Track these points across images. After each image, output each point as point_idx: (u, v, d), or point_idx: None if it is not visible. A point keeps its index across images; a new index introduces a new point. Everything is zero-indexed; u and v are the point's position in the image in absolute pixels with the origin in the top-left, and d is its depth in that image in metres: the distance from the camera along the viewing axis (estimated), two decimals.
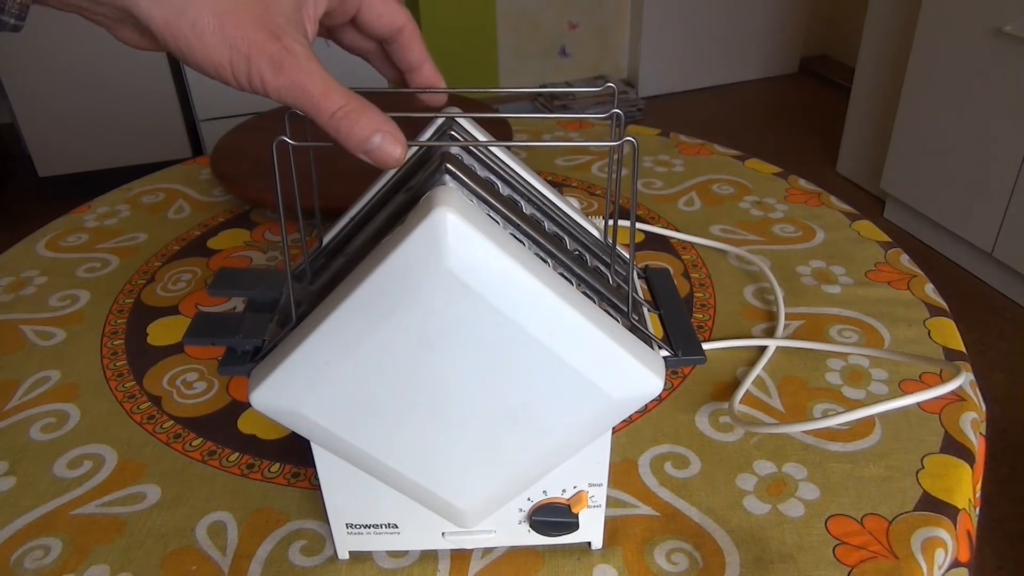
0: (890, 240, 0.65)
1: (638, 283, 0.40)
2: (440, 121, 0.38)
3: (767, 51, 2.73)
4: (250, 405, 0.32)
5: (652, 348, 0.34)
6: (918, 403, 0.46)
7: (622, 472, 0.44)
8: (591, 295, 0.33)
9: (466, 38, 2.42)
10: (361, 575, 0.38)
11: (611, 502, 0.42)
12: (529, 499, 0.37)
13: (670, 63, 2.62)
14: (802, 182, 0.75)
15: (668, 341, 0.35)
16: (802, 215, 0.69)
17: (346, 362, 0.31)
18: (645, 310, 0.37)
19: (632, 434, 0.46)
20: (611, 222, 0.37)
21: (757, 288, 0.59)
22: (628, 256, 0.35)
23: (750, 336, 0.54)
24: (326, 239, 0.39)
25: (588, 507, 0.38)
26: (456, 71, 2.46)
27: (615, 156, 0.33)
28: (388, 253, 0.29)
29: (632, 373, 0.31)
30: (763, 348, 0.52)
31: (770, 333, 0.54)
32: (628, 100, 2.48)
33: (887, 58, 1.86)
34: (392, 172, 0.39)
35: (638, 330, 0.34)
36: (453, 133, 0.38)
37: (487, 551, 0.39)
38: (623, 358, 0.31)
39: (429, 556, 0.39)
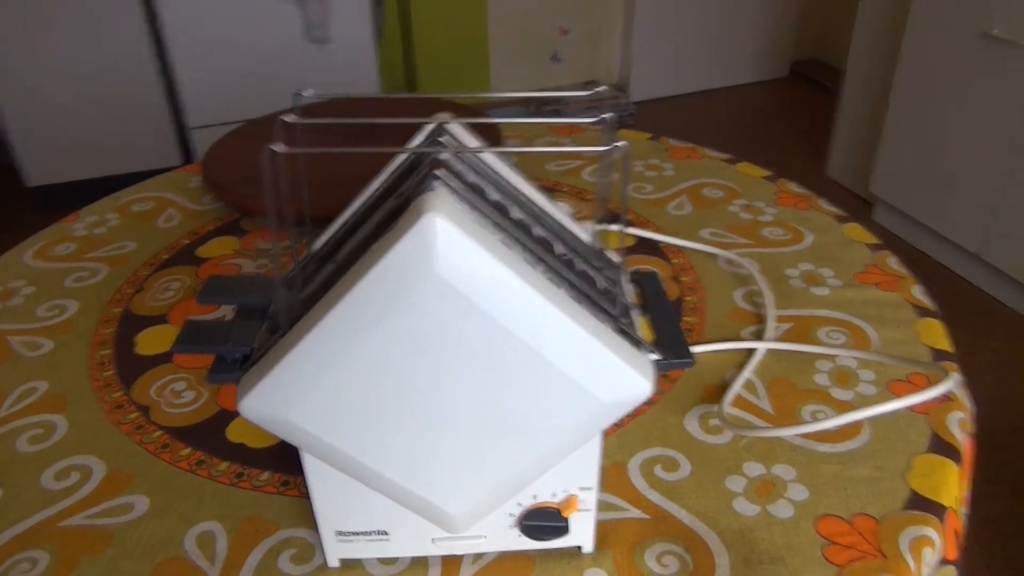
0: (879, 242, 0.66)
1: (627, 287, 0.40)
2: (431, 126, 0.38)
3: (757, 55, 2.74)
4: (239, 414, 0.32)
5: (641, 352, 0.34)
6: (907, 407, 0.46)
7: (612, 475, 0.44)
8: (580, 299, 0.33)
9: (458, 43, 2.43)
10: None
11: (601, 505, 0.42)
12: (519, 504, 0.37)
13: (661, 68, 2.63)
14: (791, 185, 0.75)
15: (657, 344, 0.35)
16: (791, 218, 0.69)
17: (335, 368, 0.31)
18: (634, 314, 0.37)
19: (622, 437, 0.46)
20: (605, 232, 0.37)
21: (746, 291, 0.60)
22: (617, 260, 0.35)
23: (739, 339, 0.54)
24: (316, 245, 0.39)
25: (578, 511, 0.38)
26: (447, 76, 2.46)
27: (605, 161, 0.33)
28: (378, 258, 0.29)
29: (621, 376, 0.31)
30: (752, 350, 0.53)
31: (759, 336, 0.55)
32: (619, 105, 2.49)
33: (876, 62, 1.88)
34: (382, 178, 0.39)
35: (627, 334, 0.34)
36: (443, 140, 0.38)
37: (477, 557, 0.39)
38: (612, 361, 0.31)
39: (420, 563, 0.39)
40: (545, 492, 0.37)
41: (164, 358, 0.54)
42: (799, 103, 2.62)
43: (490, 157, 0.39)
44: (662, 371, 0.33)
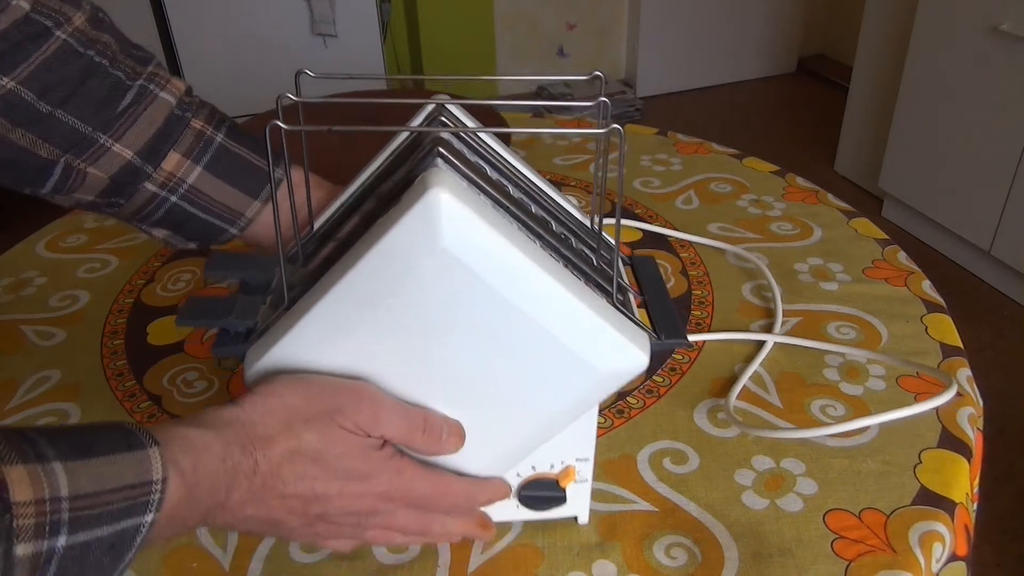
0: (887, 237, 0.65)
1: (623, 269, 0.40)
2: (431, 107, 0.39)
3: (765, 51, 2.73)
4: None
5: (636, 325, 0.34)
6: (916, 414, 0.46)
7: (621, 468, 0.44)
8: (577, 275, 0.34)
9: (464, 39, 2.42)
10: (362, 571, 0.38)
11: (610, 498, 0.42)
12: (518, 474, 0.38)
13: (668, 63, 2.62)
14: (800, 180, 0.75)
15: (653, 326, 0.36)
16: (800, 213, 0.69)
17: (341, 341, 0.31)
18: (630, 294, 0.37)
19: (631, 430, 0.46)
20: (601, 213, 0.38)
21: (755, 285, 0.60)
22: (613, 241, 0.36)
23: (749, 332, 0.54)
24: (317, 223, 0.40)
25: (575, 481, 0.38)
26: (454, 71, 2.46)
27: (601, 144, 0.34)
28: (383, 233, 0.29)
29: (618, 348, 0.32)
30: (761, 344, 0.53)
31: (768, 330, 0.54)
32: (626, 100, 2.48)
33: (884, 57, 1.86)
34: (381, 159, 0.40)
35: (622, 310, 0.34)
36: (444, 119, 0.38)
37: (487, 547, 0.40)
38: (609, 334, 0.32)
39: (429, 552, 0.39)
40: (543, 463, 0.38)
41: (176, 348, 0.55)
42: (806, 98, 2.61)
43: (489, 139, 0.39)
44: (657, 351, 0.34)
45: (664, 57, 2.60)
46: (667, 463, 0.44)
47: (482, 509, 0.38)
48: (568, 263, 0.34)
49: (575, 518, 0.40)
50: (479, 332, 0.31)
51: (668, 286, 0.59)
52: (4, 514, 0.22)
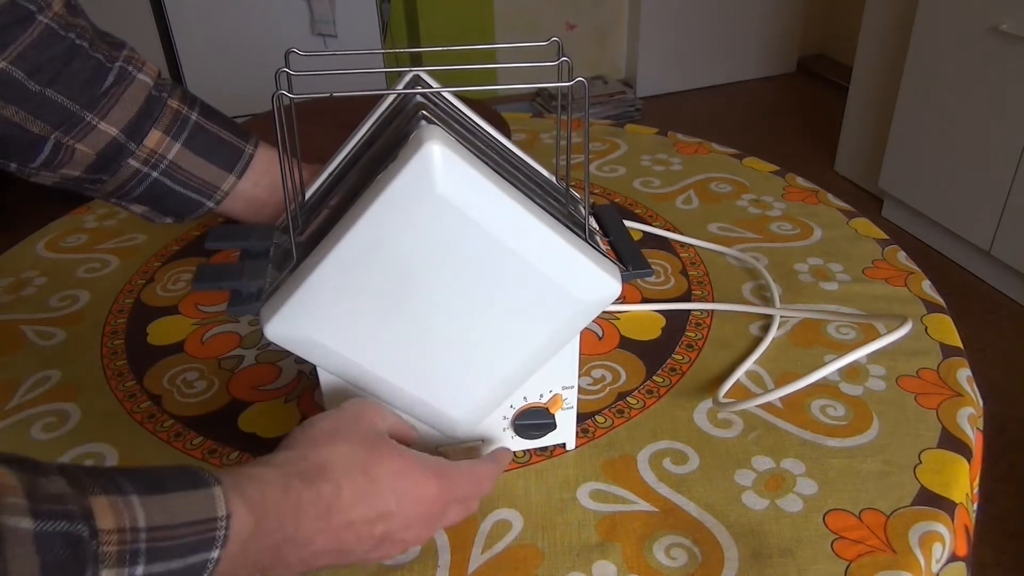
0: (887, 237, 0.65)
1: (590, 218, 0.44)
2: (409, 77, 0.43)
3: (765, 51, 2.73)
4: (269, 340, 0.35)
5: (608, 260, 0.38)
6: (870, 352, 0.45)
7: (621, 468, 0.44)
8: (553, 219, 0.37)
9: (464, 38, 2.42)
10: (362, 571, 0.38)
11: (610, 498, 0.42)
12: (512, 406, 0.41)
13: (668, 63, 2.62)
14: (800, 180, 0.75)
15: (620, 260, 0.40)
16: (800, 213, 0.69)
17: (350, 289, 0.34)
18: (598, 236, 0.41)
19: (631, 430, 0.46)
20: (568, 162, 0.42)
21: (755, 285, 0.60)
22: (579, 196, 0.40)
23: (748, 333, 0.54)
24: (308, 193, 0.43)
25: (563, 408, 0.42)
26: (453, 72, 2.46)
27: (560, 99, 0.38)
28: (384, 186, 0.32)
29: (595, 278, 0.36)
30: (758, 343, 0.53)
31: (767, 329, 0.54)
32: (626, 100, 2.48)
33: (884, 57, 1.86)
34: (364, 129, 0.43)
35: (594, 248, 0.38)
36: (420, 87, 0.42)
37: (487, 547, 0.40)
38: (587, 266, 0.36)
39: (429, 552, 0.39)
40: (533, 393, 0.41)
41: (176, 348, 0.55)
42: (806, 98, 2.61)
43: (464, 108, 0.44)
44: (627, 280, 0.38)
45: (664, 57, 2.60)
46: (667, 463, 0.44)
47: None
48: (544, 209, 0.37)
49: (563, 445, 0.42)
50: (474, 270, 0.34)
51: (668, 287, 0.60)
52: (91, 540, 0.23)
